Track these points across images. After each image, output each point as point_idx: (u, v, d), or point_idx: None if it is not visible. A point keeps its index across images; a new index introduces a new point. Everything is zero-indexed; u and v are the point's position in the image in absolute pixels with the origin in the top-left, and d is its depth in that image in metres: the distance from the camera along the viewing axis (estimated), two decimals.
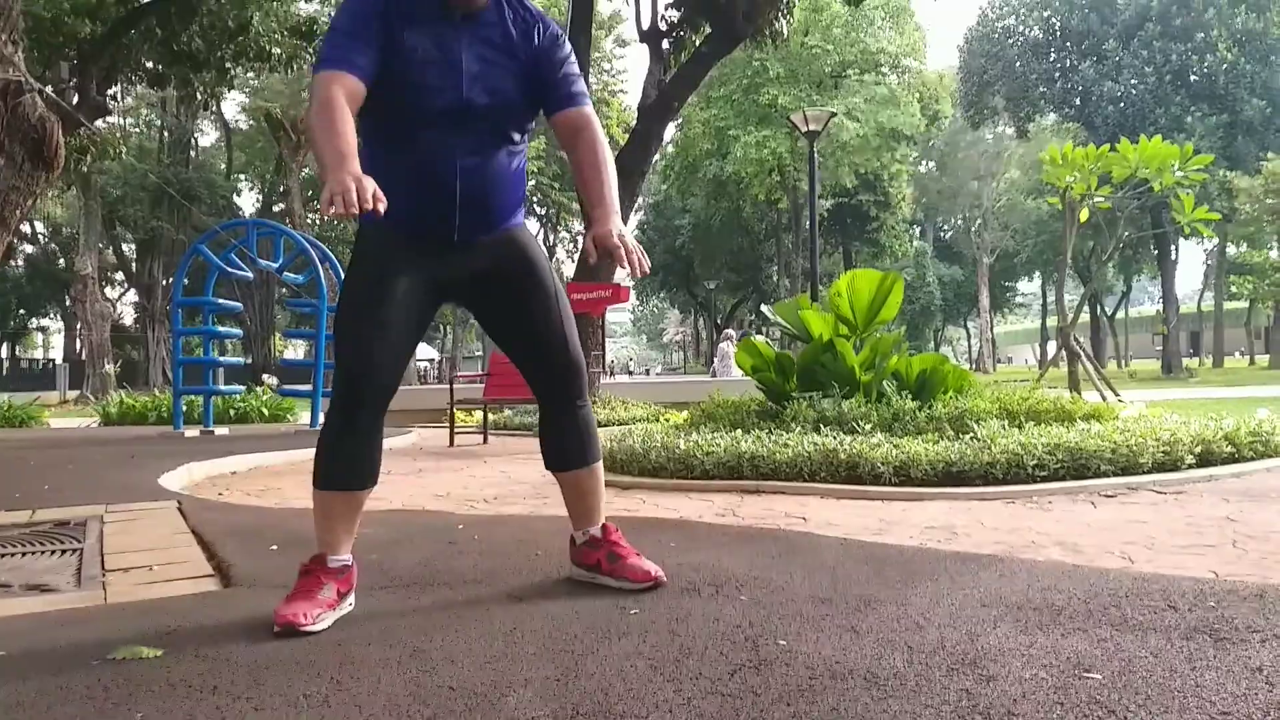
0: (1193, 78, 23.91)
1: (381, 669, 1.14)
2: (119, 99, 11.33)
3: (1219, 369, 25.89)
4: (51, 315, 33.22)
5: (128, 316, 30.25)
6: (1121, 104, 24.41)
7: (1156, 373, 22.58)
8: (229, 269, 6.78)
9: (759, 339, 4.47)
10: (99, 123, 8.19)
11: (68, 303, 24.88)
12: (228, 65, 7.53)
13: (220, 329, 7.13)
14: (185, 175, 23.72)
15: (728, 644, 1.20)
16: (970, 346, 43.22)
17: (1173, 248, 25.49)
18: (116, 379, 17.61)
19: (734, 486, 3.01)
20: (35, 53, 6.50)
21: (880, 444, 2.99)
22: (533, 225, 27.85)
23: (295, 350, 29.01)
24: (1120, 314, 36.63)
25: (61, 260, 28.09)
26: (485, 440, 5.74)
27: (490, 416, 6.15)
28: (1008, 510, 2.48)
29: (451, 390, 6.00)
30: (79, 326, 20.75)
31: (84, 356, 19.76)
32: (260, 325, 24.81)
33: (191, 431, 6.26)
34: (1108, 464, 2.84)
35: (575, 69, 1.49)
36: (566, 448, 1.57)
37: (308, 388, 6.92)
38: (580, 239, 20.82)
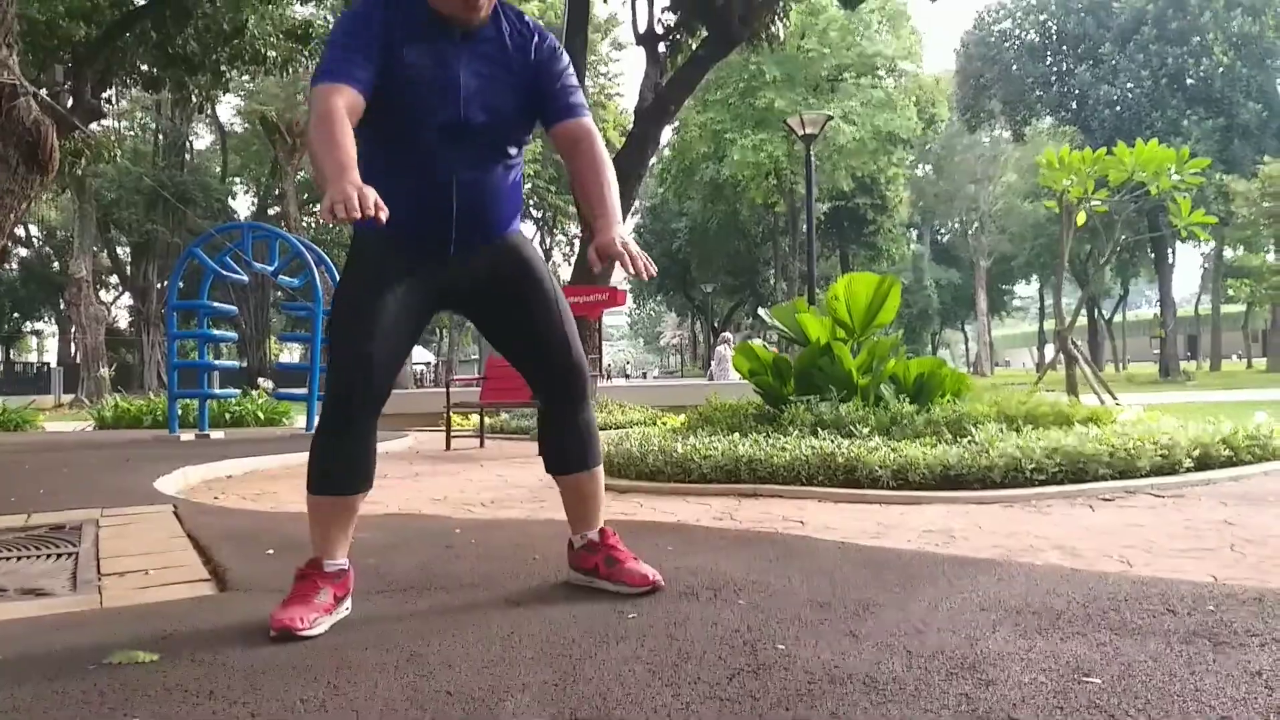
0: (1189, 81, 24.04)
1: (378, 673, 1.14)
2: (114, 102, 11.32)
3: (1216, 372, 25.98)
4: (46, 319, 33.11)
5: (122, 320, 30.17)
6: (1118, 107, 24.53)
7: (1154, 376, 22.64)
8: (224, 272, 6.76)
9: (757, 343, 4.47)
10: (94, 126, 8.18)
11: (62, 306, 24.84)
12: (223, 68, 7.53)
13: (215, 332, 7.10)
14: (180, 178, 23.69)
15: (726, 648, 1.20)
16: (968, 350, 43.32)
17: (1170, 251, 25.58)
18: (111, 382, 17.56)
19: (731, 490, 3.01)
20: (30, 56, 6.49)
21: (878, 447, 2.99)
22: (529, 229, 27.84)
23: (291, 354, 28.95)
24: (1118, 317, 36.75)
25: (56, 263, 28.01)
26: (482, 444, 5.73)
27: (487, 420, 6.14)
28: (1006, 514, 2.49)
29: (448, 394, 5.99)
30: (73, 330, 20.72)
31: (79, 360, 19.72)
32: (255, 329, 24.77)
33: (187, 435, 6.24)
34: (1106, 468, 2.84)
35: (573, 80, 1.48)
36: (567, 451, 1.57)
37: (303, 391, 6.91)
38: (577, 242, 20.82)
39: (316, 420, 1.46)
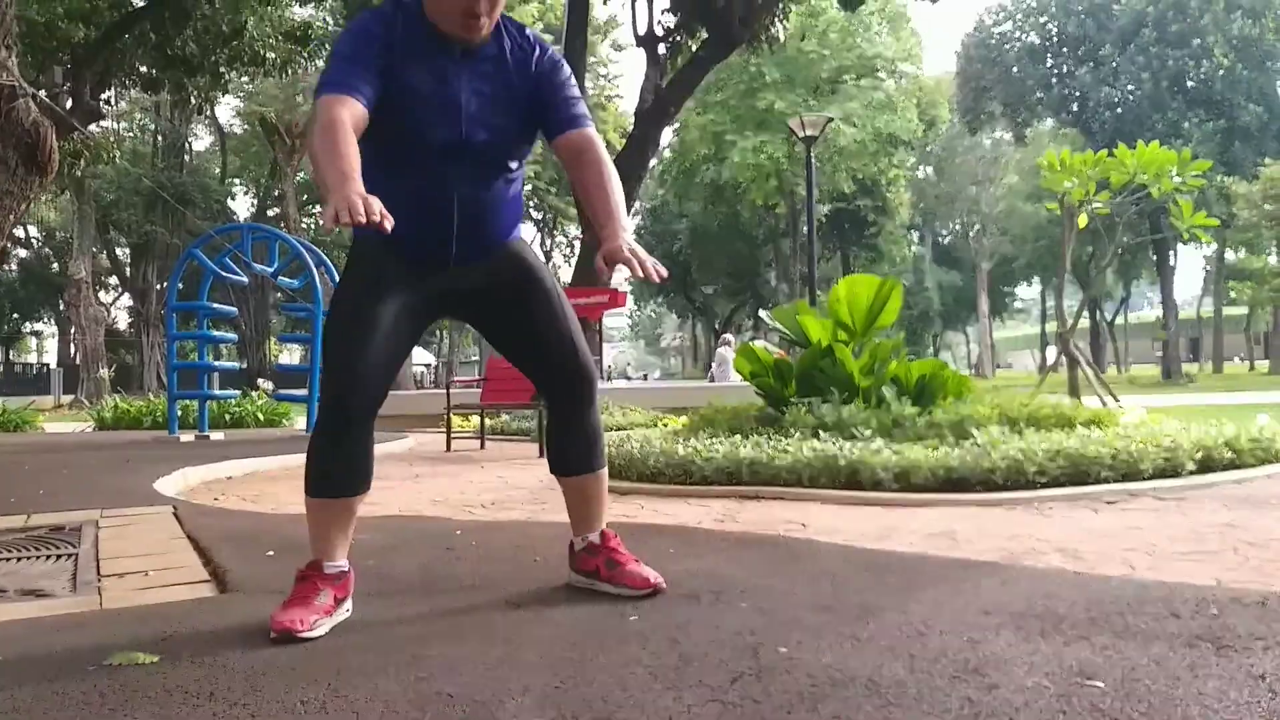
0: (1190, 84, 24.07)
1: (379, 675, 1.13)
2: (113, 103, 11.34)
3: (1219, 374, 25.99)
4: (45, 319, 33.13)
5: (122, 321, 30.19)
6: (1119, 110, 24.56)
7: (1156, 378, 22.64)
8: (224, 273, 6.77)
9: (759, 345, 4.47)
10: (93, 127, 8.19)
11: (62, 307, 24.86)
12: (222, 70, 7.55)
13: (215, 333, 7.11)
14: (179, 179, 23.71)
15: (728, 651, 1.19)
16: (969, 352, 43.32)
17: (1171, 253, 25.60)
18: (111, 383, 17.57)
19: (733, 492, 3.00)
20: (29, 57, 6.49)
21: (880, 450, 2.99)
22: (530, 230, 27.88)
23: (290, 355, 28.96)
24: (1120, 319, 36.75)
25: (55, 264, 28.03)
26: (482, 445, 5.72)
27: (487, 421, 6.14)
28: (1008, 517, 2.48)
29: (448, 395, 5.99)
30: (73, 331, 20.74)
31: (78, 361, 19.74)
32: (255, 330, 24.78)
33: (186, 436, 6.24)
34: (1108, 470, 2.83)
35: (575, 91, 1.48)
36: (573, 452, 1.57)
37: (303, 392, 6.91)
38: (577, 244, 20.84)
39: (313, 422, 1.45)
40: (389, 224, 1.12)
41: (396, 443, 5.64)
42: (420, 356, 33.38)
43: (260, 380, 18.22)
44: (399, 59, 1.36)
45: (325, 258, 6.96)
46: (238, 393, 8.08)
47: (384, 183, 1.35)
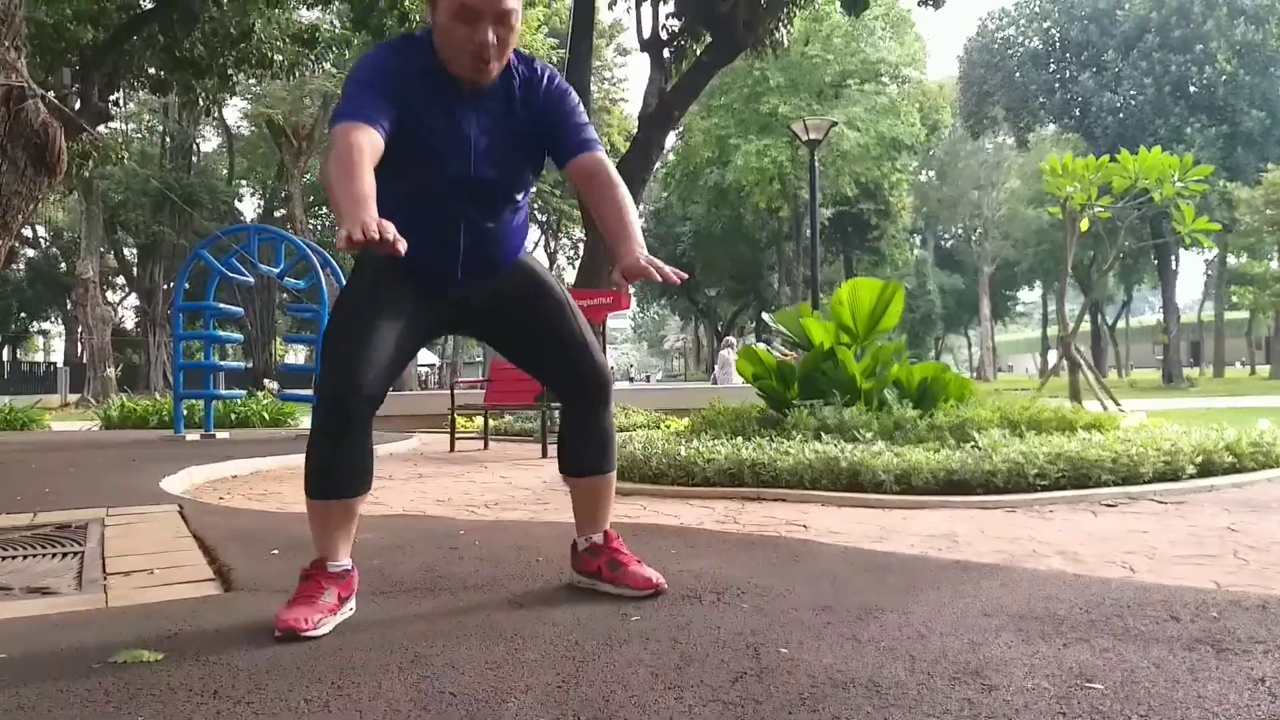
0: (1192, 89, 24.04)
1: (382, 674, 1.14)
2: (121, 105, 11.39)
3: (1220, 379, 25.92)
4: (53, 319, 33.26)
5: (129, 320, 30.29)
6: (1121, 115, 24.53)
7: (1157, 382, 22.58)
8: (230, 274, 6.79)
9: (761, 346, 4.48)
10: (101, 128, 8.24)
11: (69, 306, 24.91)
12: (230, 72, 7.58)
13: (221, 333, 7.13)
14: (187, 180, 23.81)
15: (729, 652, 1.20)
16: (971, 355, 43.24)
17: (1173, 258, 25.55)
18: (117, 383, 17.65)
19: (735, 493, 3.01)
20: (38, 59, 6.54)
21: (881, 452, 2.99)
22: (534, 232, 27.93)
23: (296, 355, 29.02)
24: (1121, 323, 36.66)
25: (63, 264, 28.16)
26: (486, 446, 5.73)
27: (491, 422, 6.15)
28: (1009, 519, 2.48)
29: (452, 396, 6.00)
30: (80, 330, 20.82)
31: (85, 360, 19.82)
32: (261, 330, 24.85)
33: (192, 435, 6.26)
34: (1109, 473, 2.83)
35: (583, 117, 1.48)
36: (585, 454, 1.58)
37: (308, 392, 6.92)
38: (581, 246, 20.86)
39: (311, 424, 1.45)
40: (402, 246, 1.11)
41: (400, 443, 5.65)
42: (424, 357, 33.39)
43: (266, 380, 18.28)
44: (411, 94, 1.36)
45: (331, 259, 6.98)
46: (243, 392, 8.10)
47: (392, 212, 1.34)
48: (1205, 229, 6.24)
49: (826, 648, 1.21)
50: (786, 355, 4.51)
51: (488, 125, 1.42)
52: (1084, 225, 6.54)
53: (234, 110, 26.63)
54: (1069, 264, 7.03)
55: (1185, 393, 16.26)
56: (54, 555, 2.04)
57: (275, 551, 1.99)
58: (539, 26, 19.99)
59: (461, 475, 4.05)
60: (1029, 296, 39.64)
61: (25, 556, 2.03)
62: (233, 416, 7.64)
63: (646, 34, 9.84)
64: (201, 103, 8.43)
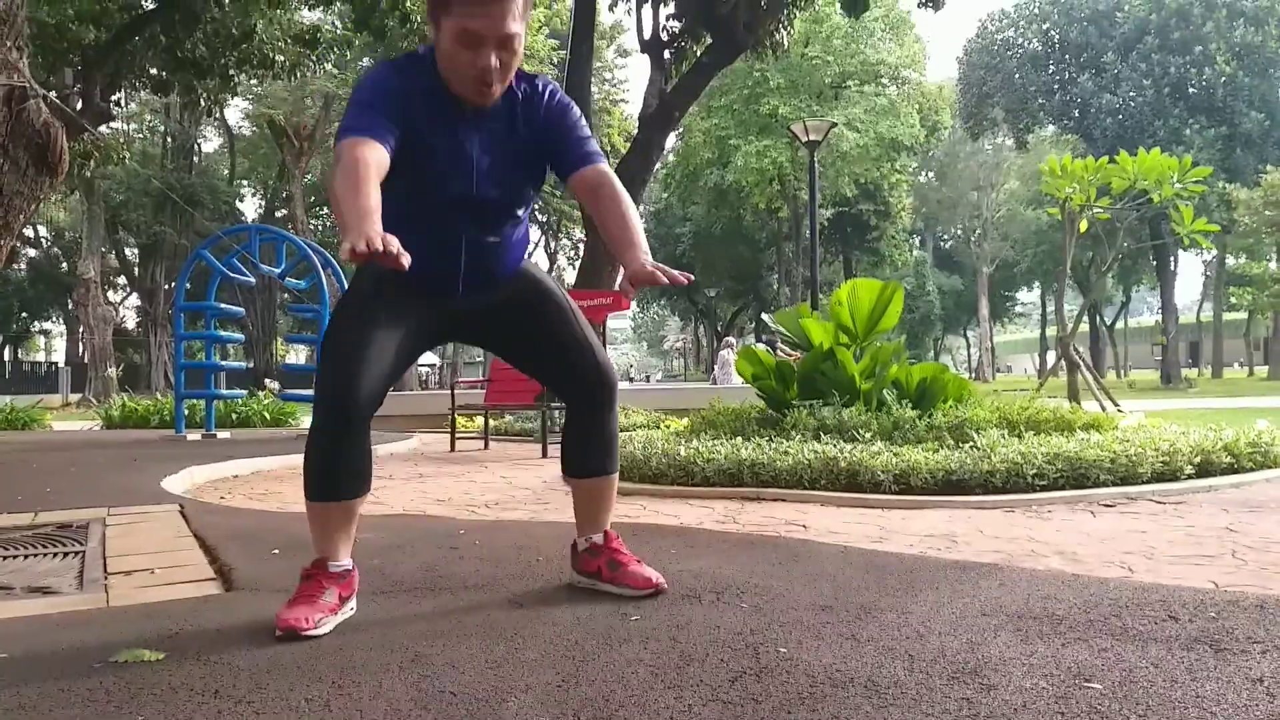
0: (1191, 90, 24.07)
1: (383, 674, 1.14)
2: (123, 105, 11.40)
3: (1218, 380, 25.93)
4: (54, 319, 33.26)
5: (130, 320, 30.29)
6: (1120, 116, 24.56)
7: (1155, 383, 22.59)
8: (231, 274, 6.80)
9: (760, 347, 4.48)
10: (103, 128, 8.24)
11: (70, 306, 24.96)
12: (231, 72, 7.59)
13: (222, 333, 7.14)
14: (188, 181, 23.83)
15: (728, 651, 1.20)
16: (970, 355, 43.25)
17: (1172, 259, 25.57)
18: (119, 382, 17.66)
19: (734, 493, 3.01)
20: (40, 59, 6.55)
21: (880, 452, 3.00)
22: (534, 232, 27.94)
23: (297, 355, 29.03)
24: (1119, 324, 36.69)
25: (64, 264, 28.17)
26: (486, 446, 5.74)
27: (491, 422, 6.16)
28: (1007, 519, 2.49)
29: (453, 396, 6.01)
30: (81, 330, 20.83)
31: (86, 360, 19.83)
32: (262, 330, 24.87)
33: (193, 435, 6.26)
34: (1107, 474, 2.84)
35: (585, 131, 1.48)
36: (588, 455, 1.58)
37: (309, 392, 6.91)
38: (581, 246, 20.88)
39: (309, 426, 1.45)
40: (406, 261, 1.11)
41: (401, 443, 5.65)
42: (425, 357, 33.34)
43: (267, 380, 18.29)
44: (413, 114, 1.36)
45: (332, 259, 6.99)
46: (244, 392, 8.10)
47: (393, 228, 1.34)
48: (1204, 230, 6.25)
49: (826, 647, 1.21)
50: (791, 355, 4.52)
51: (490, 145, 1.42)
52: (1083, 226, 6.55)
53: (235, 111, 26.71)
54: (1068, 265, 7.04)
55: (1183, 393, 16.27)
56: (55, 555, 2.04)
57: (276, 551, 1.99)
58: (540, 28, 20.00)
59: (462, 475, 4.06)
60: (1028, 297, 39.66)
61: (26, 556, 2.03)
62: (234, 416, 7.64)
63: (647, 35, 9.85)
64: (203, 103, 8.44)
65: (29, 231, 25.66)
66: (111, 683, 1.12)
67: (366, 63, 22.02)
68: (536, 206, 26.86)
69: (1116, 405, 6.09)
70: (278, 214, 26.57)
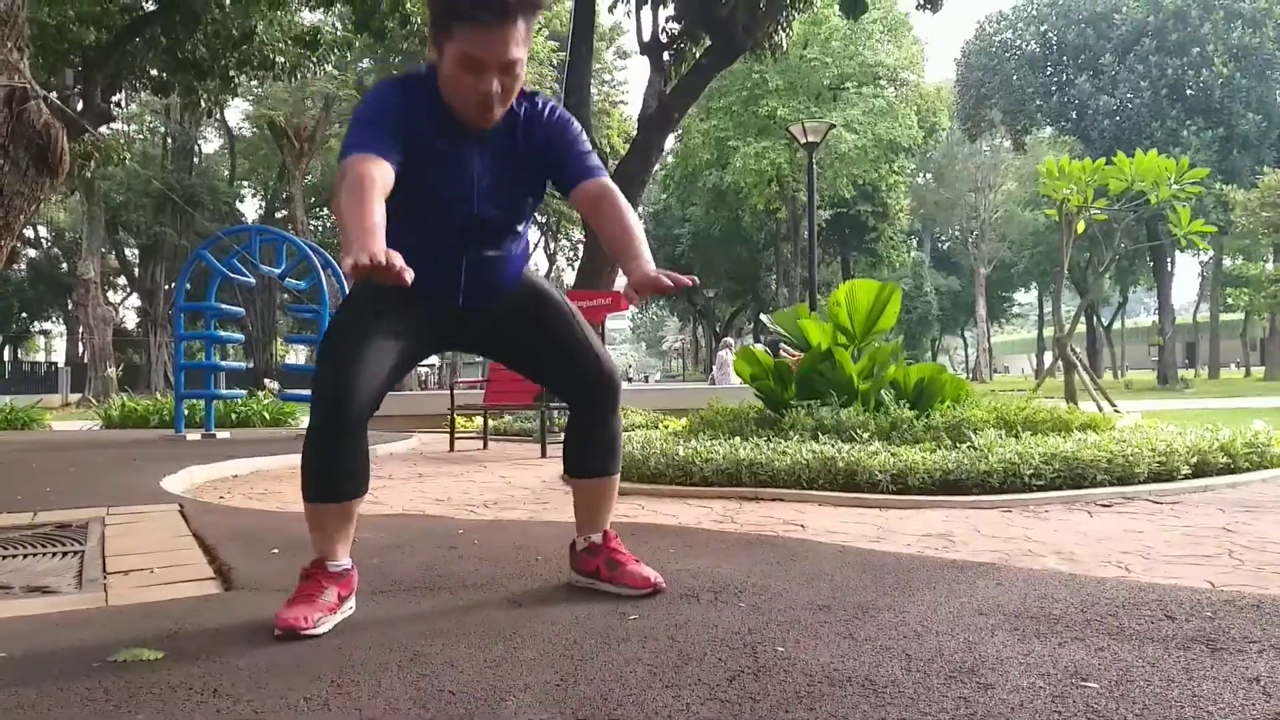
0: (1189, 92, 24.12)
1: (382, 673, 1.15)
2: (123, 106, 11.41)
3: (1214, 380, 25.98)
4: (54, 319, 33.22)
5: (130, 321, 30.26)
6: (1118, 118, 24.61)
7: (1152, 383, 22.62)
8: (231, 274, 6.80)
9: (759, 347, 4.49)
10: (103, 129, 8.24)
11: (70, 306, 24.91)
12: (231, 73, 7.59)
13: (222, 334, 7.14)
14: (188, 181, 23.83)
15: (726, 650, 1.21)
16: (967, 356, 43.30)
17: (1169, 260, 25.62)
18: (118, 382, 17.64)
19: (732, 493, 3.02)
20: (40, 60, 6.55)
21: (878, 452, 3.01)
22: (534, 233, 27.91)
23: (296, 355, 29.01)
24: (1116, 325, 36.75)
25: (64, 264, 28.15)
26: (485, 446, 5.74)
27: (490, 422, 6.16)
28: (1004, 519, 2.49)
29: (452, 396, 6.01)
30: (81, 330, 20.82)
31: (86, 360, 19.82)
32: (262, 330, 24.86)
33: (193, 435, 6.26)
34: (1104, 474, 2.85)
35: (586, 145, 1.49)
36: (590, 456, 1.59)
37: (309, 392, 6.90)
38: (580, 247, 20.89)
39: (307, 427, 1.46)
40: (409, 276, 1.12)
41: (400, 443, 5.66)
42: None
43: (266, 380, 18.27)
44: (415, 133, 1.37)
45: (332, 260, 6.99)
46: (244, 392, 8.10)
47: (393, 243, 1.33)
48: (1201, 231, 6.27)
49: (823, 646, 1.22)
50: (793, 356, 4.53)
51: (491, 164, 1.43)
52: (1080, 227, 6.57)
53: (236, 112, 26.77)
54: (1065, 266, 7.05)
55: (1180, 394, 16.29)
56: (54, 554, 2.04)
57: (275, 551, 1.99)
58: (539, 29, 19.98)
59: (461, 475, 4.06)
60: (1025, 298, 39.72)
61: (26, 555, 2.03)
62: (233, 416, 7.64)
63: (646, 37, 9.86)
64: (203, 104, 8.44)
65: (29, 232, 25.64)
66: (110, 682, 1.12)
67: (366, 64, 22.06)
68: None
69: (1113, 405, 6.10)
70: (278, 215, 26.57)
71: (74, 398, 18.97)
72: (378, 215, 1.20)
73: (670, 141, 20.93)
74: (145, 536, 2.23)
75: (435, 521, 2.48)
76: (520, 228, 1.53)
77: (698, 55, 9.59)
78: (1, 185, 3.03)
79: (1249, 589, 1.58)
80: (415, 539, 2.12)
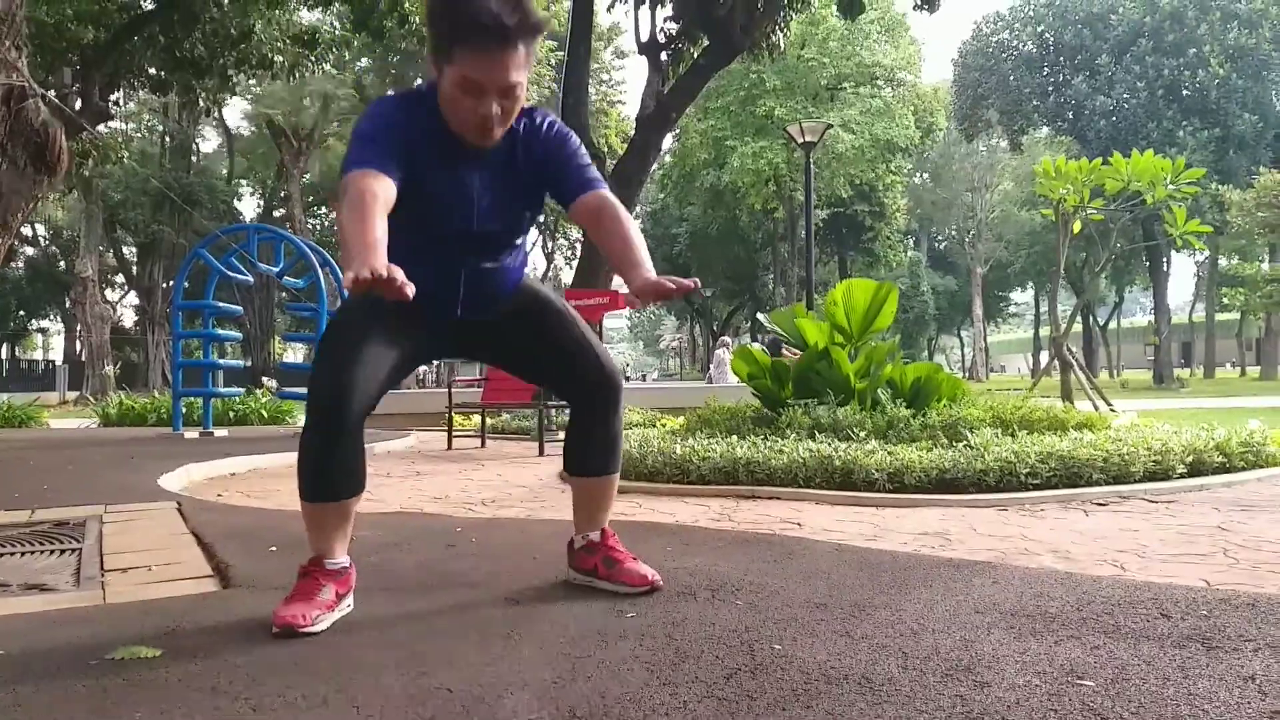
0: (1185, 93, 24.19)
1: (380, 670, 1.15)
2: (121, 104, 11.36)
3: (1210, 380, 26.06)
4: (52, 317, 33.12)
5: (128, 319, 30.18)
6: (1114, 118, 24.67)
7: (1148, 383, 22.70)
8: (229, 273, 6.78)
9: (756, 347, 4.50)
10: (101, 127, 8.21)
11: (68, 305, 24.82)
12: (230, 72, 7.57)
13: (220, 332, 7.12)
14: (186, 180, 23.76)
15: (724, 648, 1.21)
16: (964, 355, 43.37)
17: (1165, 260, 25.69)
18: (116, 381, 17.58)
19: (730, 492, 3.02)
20: (39, 58, 6.52)
21: (874, 451, 3.01)
22: (532, 233, 27.88)
23: (294, 354, 28.96)
24: (1112, 324, 36.83)
25: (62, 263, 28.06)
26: (483, 444, 5.74)
27: (488, 420, 6.16)
28: (1000, 517, 2.50)
29: (450, 394, 6.01)
30: (79, 328, 20.73)
31: (84, 358, 19.73)
32: (260, 329, 24.78)
33: (191, 433, 6.25)
34: (1100, 473, 2.86)
35: (585, 158, 1.49)
36: (590, 455, 1.59)
37: (306, 390, 6.89)
38: (579, 246, 20.89)
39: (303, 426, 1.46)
40: (410, 291, 1.12)
41: (398, 441, 5.65)
42: None
43: (264, 378, 18.24)
44: (415, 150, 1.37)
45: (330, 258, 6.98)
46: (242, 390, 8.08)
47: (393, 258, 1.33)
48: (1196, 231, 6.29)
49: (820, 644, 1.22)
50: (794, 355, 4.54)
51: (490, 182, 1.44)
52: (1076, 227, 6.59)
53: (234, 110, 26.75)
54: (1061, 265, 7.07)
55: (1176, 393, 16.35)
56: (52, 552, 2.04)
57: (273, 548, 1.99)
58: None
59: (459, 473, 4.06)
60: (1021, 297, 39.81)
61: (23, 553, 2.02)
62: (231, 414, 7.62)
63: (644, 37, 9.85)
64: (201, 103, 8.41)
65: (27, 230, 25.56)
66: (108, 680, 1.12)
67: (365, 63, 22.02)
68: None
69: (1109, 405, 6.12)
70: (276, 213, 26.51)
71: (71, 396, 18.91)
72: (379, 230, 1.21)
73: (668, 141, 20.96)
74: (143, 534, 2.23)
75: (433, 519, 2.48)
76: (519, 240, 1.54)
77: (695, 55, 9.59)
78: (0, 183, 3.02)
79: (1244, 587, 1.59)
80: (413, 537, 2.12)
